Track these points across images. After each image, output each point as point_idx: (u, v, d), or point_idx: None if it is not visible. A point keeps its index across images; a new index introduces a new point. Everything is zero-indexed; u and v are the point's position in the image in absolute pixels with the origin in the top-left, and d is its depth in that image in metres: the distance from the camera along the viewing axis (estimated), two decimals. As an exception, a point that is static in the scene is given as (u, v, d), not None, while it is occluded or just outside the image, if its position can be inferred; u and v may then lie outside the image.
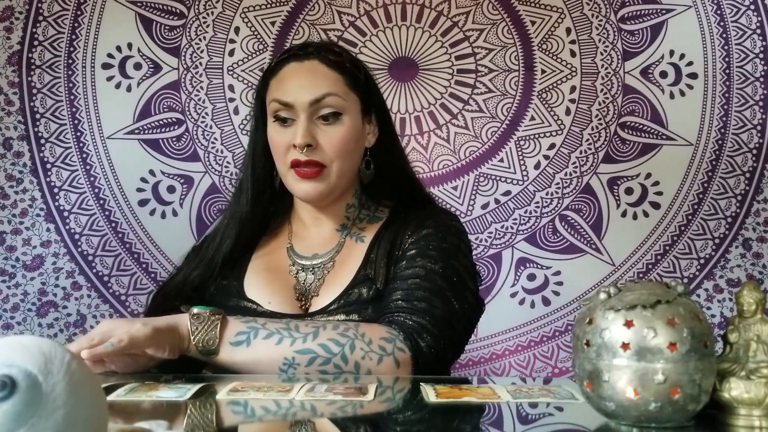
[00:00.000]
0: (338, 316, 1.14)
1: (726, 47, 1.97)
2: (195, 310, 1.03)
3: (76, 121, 1.96)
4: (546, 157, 1.98)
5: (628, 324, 0.68)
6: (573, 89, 1.98)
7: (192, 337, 1.01)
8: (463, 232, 1.23)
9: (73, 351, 0.94)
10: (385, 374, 1.00)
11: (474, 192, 1.98)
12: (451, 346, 1.11)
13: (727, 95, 1.97)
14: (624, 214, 1.97)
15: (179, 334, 1.02)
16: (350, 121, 1.19)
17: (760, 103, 1.96)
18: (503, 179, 1.98)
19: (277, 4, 1.99)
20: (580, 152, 1.98)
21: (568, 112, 1.98)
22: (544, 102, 1.98)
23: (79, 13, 1.97)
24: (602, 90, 1.98)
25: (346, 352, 1.00)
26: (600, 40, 1.98)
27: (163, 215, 1.96)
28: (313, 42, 1.29)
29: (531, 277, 1.96)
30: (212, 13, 1.99)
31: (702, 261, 1.96)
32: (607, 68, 1.98)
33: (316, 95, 1.16)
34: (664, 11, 1.98)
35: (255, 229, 1.28)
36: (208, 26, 1.99)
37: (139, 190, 1.96)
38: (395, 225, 1.22)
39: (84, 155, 1.96)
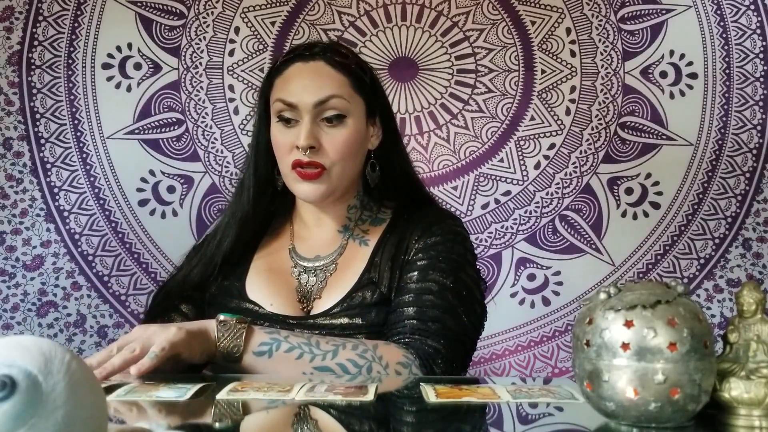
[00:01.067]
0: (341, 319, 1.14)
1: (726, 47, 1.97)
2: (222, 317, 1.04)
3: (76, 121, 1.96)
4: (546, 157, 1.98)
5: (628, 324, 0.68)
6: (573, 89, 1.98)
7: (218, 344, 1.02)
8: (467, 238, 1.24)
9: (117, 364, 0.95)
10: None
11: (474, 192, 1.98)
12: (460, 364, 1.13)
13: (727, 95, 1.97)
14: (624, 214, 1.97)
15: (209, 339, 1.03)
16: (354, 124, 1.18)
17: (760, 103, 1.96)
18: (503, 179, 1.98)
19: (277, 4, 1.99)
20: (580, 152, 1.98)
21: (568, 112, 1.98)
22: (544, 102, 1.98)
23: (79, 13, 1.97)
24: (602, 90, 1.98)
25: (363, 374, 1.02)
26: (600, 40, 1.98)
27: (163, 215, 1.96)
28: (319, 42, 1.28)
29: (531, 277, 1.96)
30: (212, 13, 1.99)
31: (702, 261, 1.96)
32: (607, 68, 1.98)
33: (321, 97, 1.16)
34: (664, 11, 1.98)
35: (256, 228, 1.28)
36: (208, 26, 1.99)
37: (139, 190, 1.96)
38: (400, 228, 1.22)
39: (84, 155, 1.96)
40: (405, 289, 1.14)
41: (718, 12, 1.97)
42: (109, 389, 0.87)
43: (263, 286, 1.21)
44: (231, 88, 1.99)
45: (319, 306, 1.17)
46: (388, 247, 1.20)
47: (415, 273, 1.15)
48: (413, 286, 1.13)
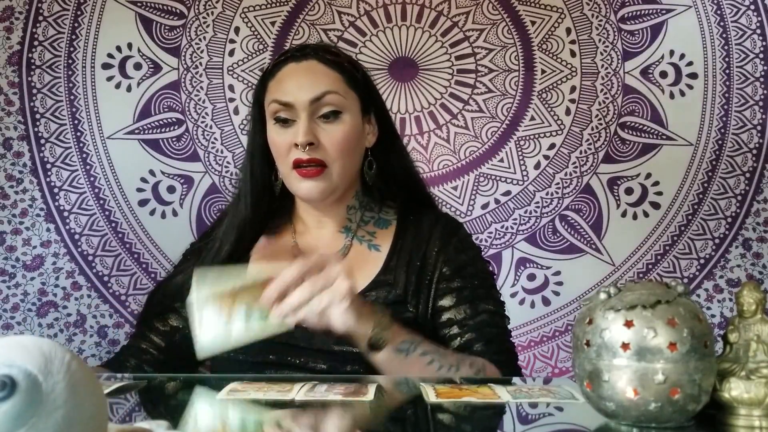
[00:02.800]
0: None
1: (726, 47, 1.97)
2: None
3: (76, 121, 1.96)
4: (546, 157, 1.98)
5: (628, 324, 0.68)
6: (573, 89, 1.98)
7: (373, 329, 1.00)
8: (477, 245, 1.29)
9: (294, 304, 0.92)
10: None
11: (474, 192, 1.98)
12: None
13: (727, 95, 1.97)
14: (624, 214, 1.97)
15: (371, 320, 1.00)
16: (351, 120, 1.19)
17: (760, 103, 1.96)
18: (503, 179, 1.98)
19: (277, 4, 1.99)
20: (580, 152, 1.98)
21: (568, 112, 1.98)
22: (544, 102, 1.98)
23: (79, 13, 1.97)
24: (602, 90, 1.98)
25: None
26: (600, 40, 1.98)
27: (163, 215, 1.96)
28: (309, 44, 1.30)
29: (531, 277, 1.96)
30: (212, 13, 1.99)
31: (702, 261, 1.96)
32: (607, 68, 1.98)
33: (316, 93, 1.16)
34: (664, 11, 1.98)
35: (254, 234, 1.28)
36: (208, 26, 1.99)
37: (139, 190, 1.96)
38: (410, 233, 1.23)
39: (84, 155, 1.96)
40: (461, 324, 1.16)
41: (718, 12, 1.97)
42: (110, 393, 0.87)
43: None
44: (231, 88, 1.99)
45: None
46: (403, 254, 1.21)
47: (467, 306, 1.17)
48: (471, 322, 1.16)
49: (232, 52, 1.99)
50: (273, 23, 1.99)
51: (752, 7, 1.97)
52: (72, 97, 1.96)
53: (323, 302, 0.93)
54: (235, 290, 0.92)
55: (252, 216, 1.25)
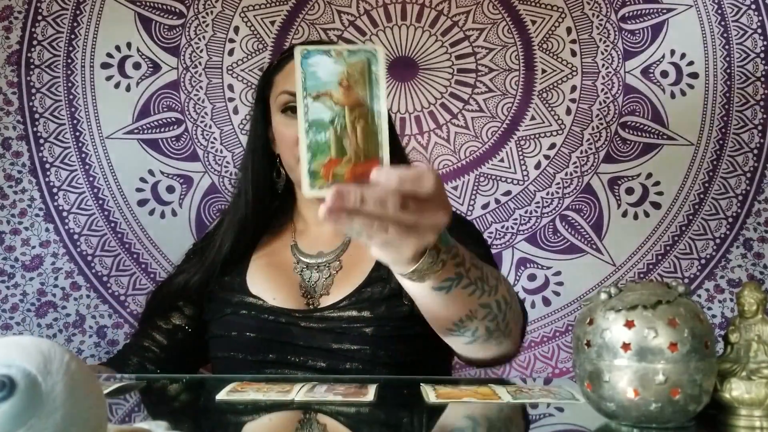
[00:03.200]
0: (350, 311, 1.15)
1: (727, 47, 1.97)
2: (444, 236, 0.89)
3: (75, 121, 1.96)
4: (546, 156, 1.98)
5: (629, 324, 0.68)
6: (573, 89, 1.98)
7: (422, 258, 0.85)
8: (471, 222, 1.36)
9: (367, 211, 0.70)
10: (507, 346, 1.03)
11: (474, 192, 1.98)
12: None
13: (728, 95, 1.97)
14: (625, 214, 1.97)
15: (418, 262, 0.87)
16: None
17: (761, 103, 1.96)
18: (503, 179, 1.98)
19: (277, 3, 1.99)
20: (581, 152, 1.98)
21: (568, 111, 1.98)
22: (544, 102, 1.98)
23: (78, 12, 1.96)
24: (603, 90, 1.98)
25: (508, 314, 0.97)
26: (601, 40, 1.98)
27: (163, 215, 1.96)
28: (312, 41, 1.30)
29: (531, 278, 1.96)
30: (212, 12, 1.98)
31: (703, 261, 1.95)
32: (607, 68, 1.98)
33: None
34: (664, 11, 1.98)
35: (255, 230, 1.29)
36: (207, 26, 1.98)
37: (139, 190, 1.96)
38: None
39: (83, 155, 1.96)
40: None
41: (719, 11, 1.97)
42: (110, 393, 0.87)
43: (264, 280, 1.22)
44: (230, 87, 1.98)
45: (327, 301, 1.18)
46: None
47: None
48: None
49: (231, 52, 1.98)
50: (273, 23, 1.99)
51: (753, 6, 1.96)
52: (71, 97, 1.96)
53: (379, 242, 0.77)
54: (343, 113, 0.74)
55: (252, 212, 1.25)
